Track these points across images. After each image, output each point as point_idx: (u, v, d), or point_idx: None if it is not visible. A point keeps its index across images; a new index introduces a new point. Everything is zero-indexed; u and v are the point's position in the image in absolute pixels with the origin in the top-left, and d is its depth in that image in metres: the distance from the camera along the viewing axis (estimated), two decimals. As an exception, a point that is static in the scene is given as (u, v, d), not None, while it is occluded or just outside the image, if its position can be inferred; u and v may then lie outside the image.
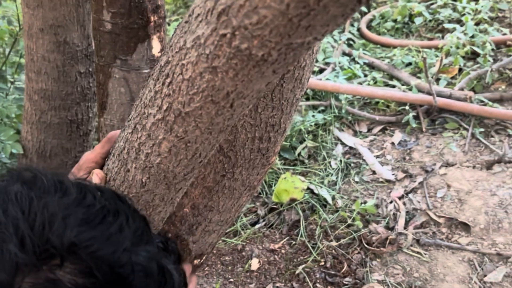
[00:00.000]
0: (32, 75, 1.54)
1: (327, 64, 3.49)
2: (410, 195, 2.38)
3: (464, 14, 3.77)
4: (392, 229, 2.22)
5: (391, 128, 2.89)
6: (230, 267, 2.12)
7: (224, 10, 0.51)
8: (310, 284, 2.01)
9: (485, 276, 1.98)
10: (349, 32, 3.93)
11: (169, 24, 3.94)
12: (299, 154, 2.70)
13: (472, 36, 3.39)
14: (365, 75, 3.34)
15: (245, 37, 0.50)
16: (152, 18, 1.23)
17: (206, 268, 2.11)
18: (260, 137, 1.18)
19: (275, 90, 1.07)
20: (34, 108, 1.58)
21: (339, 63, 3.40)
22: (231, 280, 2.07)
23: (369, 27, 4.11)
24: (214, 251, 2.18)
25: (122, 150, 0.87)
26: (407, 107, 2.89)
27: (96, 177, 0.92)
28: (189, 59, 0.60)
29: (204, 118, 0.69)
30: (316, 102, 3.03)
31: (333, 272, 2.06)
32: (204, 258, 1.31)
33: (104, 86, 1.33)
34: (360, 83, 3.22)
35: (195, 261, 1.28)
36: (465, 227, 2.18)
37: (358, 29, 4.06)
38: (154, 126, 0.75)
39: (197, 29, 0.57)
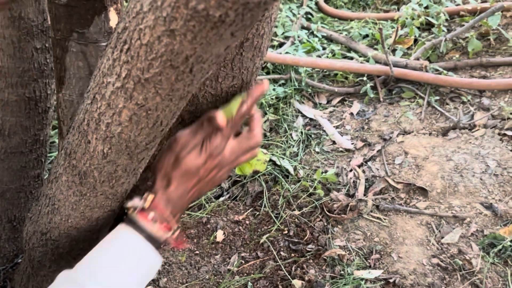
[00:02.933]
0: (-14, 52, 1.50)
1: (287, 38, 3.50)
2: (369, 163, 2.44)
3: (418, -14, 3.82)
4: (352, 196, 2.27)
5: (350, 99, 2.94)
6: (195, 240, 2.14)
7: (180, -29, 0.51)
8: (275, 253, 2.05)
9: (442, 238, 2.06)
10: (307, 6, 3.94)
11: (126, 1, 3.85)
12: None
13: (427, 7, 3.46)
14: (324, 48, 3.37)
15: (201, -3, 0.51)
16: (107, -10, 1.21)
17: (172, 242, 2.12)
18: (221, 107, 1.18)
19: (234, 59, 1.08)
20: (-11, 86, 1.54)
21: (298, 37, 3.41)
22: (197, 252, 2.09)
23: (326, 1, 4.13)
24: (179, 225, 2.19)
25: (82, 121, 0.86)
26: (364, 78, 2.93)
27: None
28: (147, 23, 0.60)
29: (164, 84, 0.69)
30: (276, 76, 3.04)
31: (296, 240, 2.11)
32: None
33: (62, 60, 1.31)
34: (319, 56, 3.24)
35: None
36: (423, 191, 2.25)
37: (316, 3, 4.07)
38: (113, 94, 0.75)
39: (153, -8, 0.57)
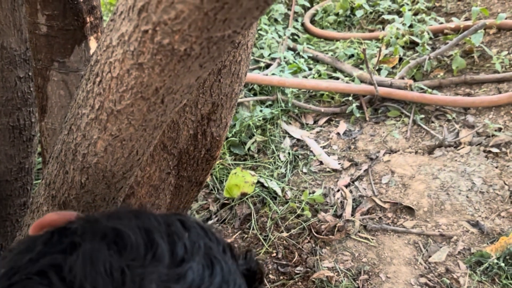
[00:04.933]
0: (-31, 82, 1.50)
1: (273, 59, 3.53)
2: (356, 183, 2.45)
3: (402, 5, 3.88)
4: (340, 216, 2.27)
5: (336, 119, 2.96)
6: (183, 265, 2.13)
7: (144, 6, 0.52)
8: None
9: (429, 256, 2.06)
10: (293, 27, 3.98)
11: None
12: (249, 149, 2.72)
13: (411, 26, 3.51)
14: (310, 69, 3.40)
15: (165, 32, 0.52)
16: (88, 19, 1.22)
17: (159, 267, 2.11)
18: (203, 133, 1.19)
19: (213, 85, 1.09)
20: (-28, 115, 1.54)
21: (284, 58, 3.44)
22: (185, 277, 2.08)
23: (312, 21, 4.17)
24: None
25: (59, 152, 0.87)
26: (350, 98, 2.96)
27: None
28: (116, 56, 0.61)
29: (136, 115, 0.69)
30: (263, 97, 3.06)
31: (284, 262, 2.10)
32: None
33: (43, 89, 1.31)
34: (305, 77, 3.27)
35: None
36: (410, 210, 2.26)
37: (302, 24, 4.12)
38: (88, 126, 0.75)
39: (121, 27, 0.58)
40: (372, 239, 2.15)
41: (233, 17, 0.49)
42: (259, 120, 2.87)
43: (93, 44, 1.27)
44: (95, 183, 0.85)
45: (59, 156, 0.87)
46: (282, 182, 2.48)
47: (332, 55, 3.55)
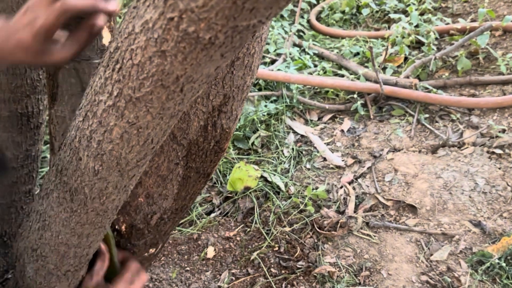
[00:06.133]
0: (-22, 68, 1.50)
1: (278, 55, 3.53)
2: (359, 180, 2.45)
3: (409, 5, 3.88)
4: (342, 213, 2.28)
5: (341, 116, 2.96)
6: (186, 256, 2.14)
7: (171, -6, 0.52)
8: (265, 269, 2.05)
9: (431, 255, 2.07)
10: (299, 23, 3.98)
11: (120, 17, 3.88)
12: (253, 143, 2.73)
13: (417, 26, 3.51)
14: (315, 65, 3.40)
15: (192, 20, 0.52)
16: (101, 8, 1.22)
17: (163, 258, 2.12)
18: (213, 124, 1.20)
19: (225, 77, 1.09)
20: (-18, 101, 1.55)
21: (290, 54, 3.45)
22: (188, 268, 2.09)
23: (318, 18, 4.18)
24: (170, 241, 2.19)
25: (73, 139, 0.87)
26: (355, 96, 2.96)
27: None
28: (138, 44, 0.62)
29: (155, 103, 0.70)
30: (268, 93, 3.07)
31: (286, 257, 2.11)
32: (159, 247, 1.32)
33: (54, 77, 1.32)
34: (310, 73, 3.27)
35: (150, 250, 1.28)
36: (412, 209, 2.27)
37: (308, 21, 4.12)
38: (105, 112, 0.76)
39: (145, 14, 0.59)
40: (374, 236, 2.16)
41: (260, 7, 0.50)
42: (264, 115, 2.88)
43: (105, 33, 1.27)
44: (109, 170, 0.86)
45: (73, 143, 0.87)
46: (286, 177, 2.49)
47: (337, 52, 3.56)
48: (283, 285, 1.99)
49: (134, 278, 1.08)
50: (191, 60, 0.60)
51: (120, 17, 3.32)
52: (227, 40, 0.56)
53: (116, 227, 1.17)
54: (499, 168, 2.38)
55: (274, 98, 3.06)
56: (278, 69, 3.23)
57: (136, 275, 1.09)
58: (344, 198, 2.36)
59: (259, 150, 2.72)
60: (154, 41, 0.59)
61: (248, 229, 2.26)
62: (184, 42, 0.56)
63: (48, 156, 2.26)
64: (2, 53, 0.84)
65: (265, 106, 2.93)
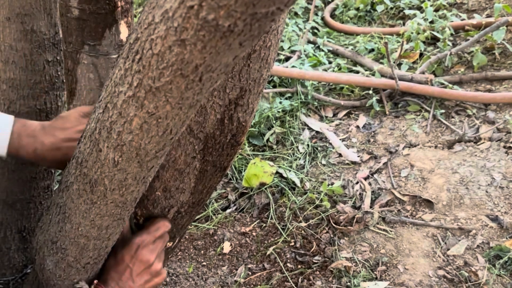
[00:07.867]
0: None
1: (293, 52, 3.54)
2: (375, 175, 2.45)
3: (423, 1, 3.85)
4: (358, 208, 2.28)
5: (356, 112, 2.96)
6: (202, 251, 2.15)
7: (191, -18, 0.53)
8: (281, 264, 2.06)
9: (448, 249, 2.06)
10: (314, 21, 3.98)
11: (136, 16, 3.92)
12: (268, 140, 2.74)
13: (432, 22, 3.49)
14: (330, 62, 3.40)
15: (211, 7, 0.53)
16: (119, 3, 1.24)
17: (179, 253, 2.14)
18: (230, 118, 1.20)
19: (242, 70, 1.10)
20: (2, 98, 1.57)
21: (305, 51, 3.45)
22: (204, 263, 2.10)
23: (332, 15, 4.17)
24: (187, 236, 2.21)
25: (93, 130, 0.88)
26: (370, 92, 2.95)
27: None
28: (158, 33, 0.63)
29: (174, 92, 0.71)
30: (283, 89, 3.07)
31: (302, 252, 2.11)
32: (177, 240, 1.34)
33: (73, 72, 1.34)
34: (325, 70, 3.27)
35: (168, 244, 1.30)
36: (429, 204, 2.26)
37: (322, 18, 4.11)
38: (125, 103, 0.77)
39: (165, 3, 0.60)
40: (391, 231, 2.16)
41: (279, -7, 0.51)
42: (279, 111, 2.89)
43: (123, 28, 1.29)
44: (128, 161, 0.87)
45: (93, 134, 0.89)
46: (301, 173, 2.50)
47: (352, 49, 3.55)
48: (299, 280, 1.99)
49: (157, 233, 1.11)
50: (210, 49, 0.61)
51: (136, 16, 3.34)
52: (246, 28, 0.57)
53: (134, 220, 1.18)
54: (516, 163, 2.36)
55: (289, 94, 3.07)
56: (293, 66, 3.23)
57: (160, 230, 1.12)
58: (360, 194, 2.36)
59: (274, 146, 2.72)
60: (174, 30, 0.60)
61: (264, 225, 2.27)
62: (204, 30, 0.57)
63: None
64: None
65: (280, 102, 2.94)
